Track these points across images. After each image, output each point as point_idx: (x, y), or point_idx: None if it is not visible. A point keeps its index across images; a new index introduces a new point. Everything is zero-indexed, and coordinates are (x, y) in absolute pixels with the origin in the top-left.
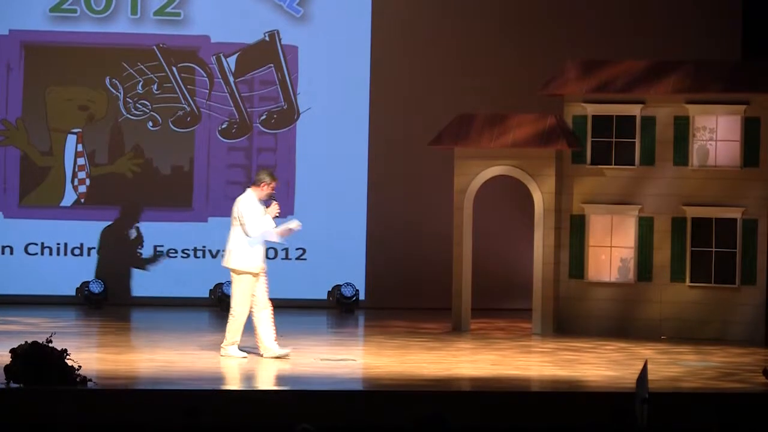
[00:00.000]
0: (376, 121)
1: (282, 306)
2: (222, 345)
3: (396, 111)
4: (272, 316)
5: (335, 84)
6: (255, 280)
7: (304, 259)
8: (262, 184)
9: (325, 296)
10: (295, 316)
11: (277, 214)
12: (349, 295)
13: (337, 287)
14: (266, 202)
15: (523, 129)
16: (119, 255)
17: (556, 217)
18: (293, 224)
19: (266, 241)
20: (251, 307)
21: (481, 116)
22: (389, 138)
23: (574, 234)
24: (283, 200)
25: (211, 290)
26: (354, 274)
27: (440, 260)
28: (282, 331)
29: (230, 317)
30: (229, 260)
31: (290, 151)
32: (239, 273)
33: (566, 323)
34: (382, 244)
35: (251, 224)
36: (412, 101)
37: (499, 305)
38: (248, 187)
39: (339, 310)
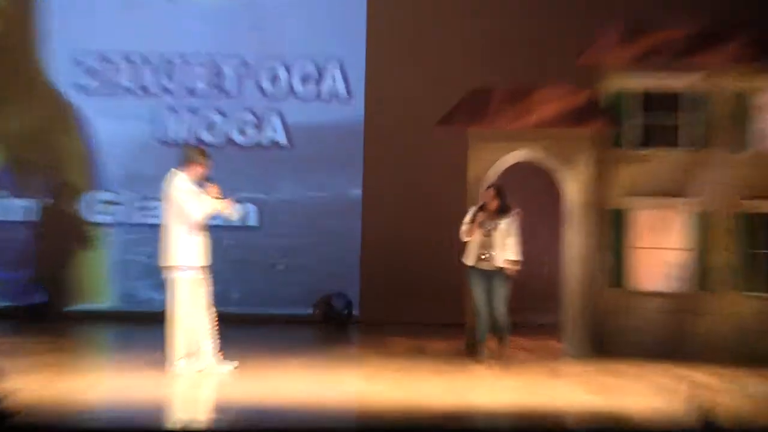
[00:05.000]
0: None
1: (255, 322)
2: (171, 362)
3: (397, 86)
4: (215, 324)
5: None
6: (196, 279)
7: (284, 266)
8: (193, 165)
9: (310, 309)
10: (273, 333)
11: (219, 197)
12: (340, 308)
13: (326, 298)
14: (200, 185)
15: (552, 105)
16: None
17: (591, 212)
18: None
19: (212, 230)
20: (191, 312)
21: (501, 90)
22: (388, 119)
23: (613, 233)
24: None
25: None
26: (346, 283)
27: (450, 266)
28: (256, 352)
29: (169, 326)
30: (166, 256)
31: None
32: (177, 270)
33: (605, 341)
34: (379, 247)
35: (193, 204)
36: (419, 74)
37: (524, 320)
38: (176, 168)
39: (328, 326)
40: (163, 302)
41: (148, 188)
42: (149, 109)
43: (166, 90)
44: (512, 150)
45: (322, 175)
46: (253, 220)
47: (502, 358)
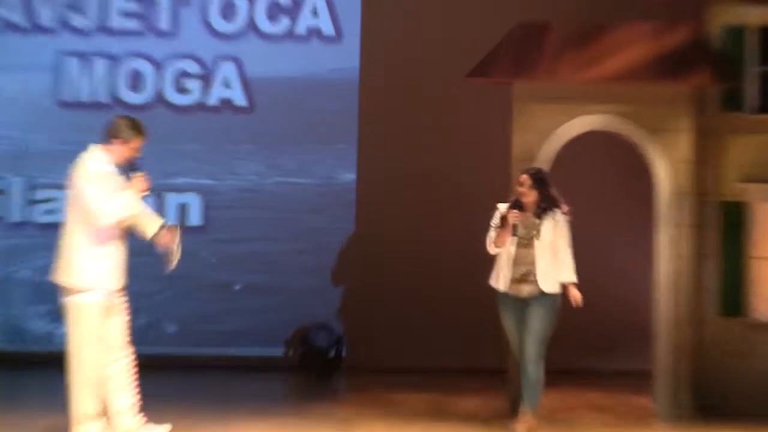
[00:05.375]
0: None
1: (198, 367)
2: (71, 428)
3: (409, 23)
4: (132, 369)
5: None
6: (105, 307)
7: (241, 285)
8: (119, 142)
9: (281, 349)
10: (227, 383)
11: (145, 188)
12: (324, 346)
13: (304, 332)
14: (125, 173)
15: (635, 50)
16: None
17: (694, 205)
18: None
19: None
20: (99, 352)
21: (560, 28)
22: (395, 70)
23: (727, 236)
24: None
25: None
26: (333, 311)
27: (483, 287)
28: (200, 411)
29: (71, 373)
30: (65, 272)
31: None
32: (80, 293)
33: (714, 396)
34: (380, 257)
35: (104, 200)
36: (439, 4)
37: (591, 364)
38: (95, 144)
39: (306, 373)
40: (63, 338)
41: (42, 171)
42: (46, 56)
43: (71, 28)
44: (577, 115)
45: (297, 153)
46: (195, 218)
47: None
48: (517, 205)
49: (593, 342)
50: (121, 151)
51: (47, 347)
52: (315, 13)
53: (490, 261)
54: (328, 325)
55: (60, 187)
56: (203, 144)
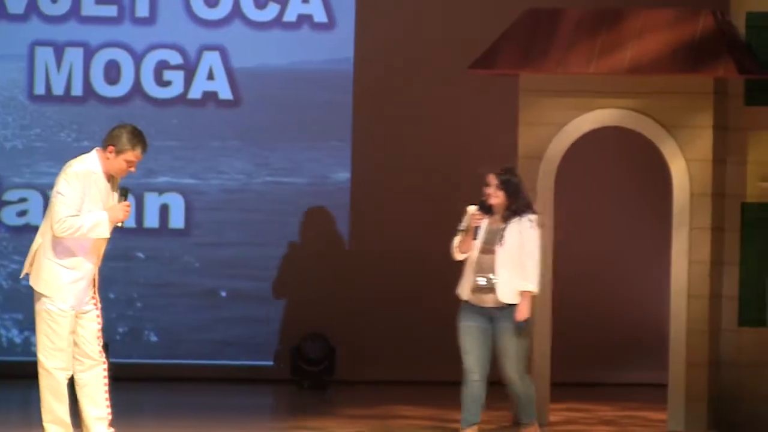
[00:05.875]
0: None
1: (180, 378)
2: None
3: (409, 10)
4: (106, 378)
5: None
6: (72, 314)
7: (226, 292)
8: (114, 151)
9: (270, 361)
10: (210, 396)
11: (122, 222)
12: (316, 358)
13: (294, 343)
14: (120, 188)
15: (652, 39)
16: None
17: (714, 207)
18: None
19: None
20: (71, 360)
21: (572, 14)
22: (392, 62)
23: (748, 241)
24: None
25: None
26: (325, 319)
27: None
28: (179, 427)
29: (40, 376)
30: (32, 276)
31: None
32: (46, 298)
33: (737, 414)
34: (377, 261)
35: (64, 206)
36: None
37: (602, 378)
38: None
39: (298, 386)
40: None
41: (13, 170)
42: (15, 46)
43: (40, 14)
44: (589, 109)
45: (287, 150)
46: (177, 220)
47: None
48: (484, 207)
49: (605, 353)
50: (113, 160)
51: (23, 357)
52: None
53: None
54: (320, 335)
55: (32, 186)
56: (185, 140)
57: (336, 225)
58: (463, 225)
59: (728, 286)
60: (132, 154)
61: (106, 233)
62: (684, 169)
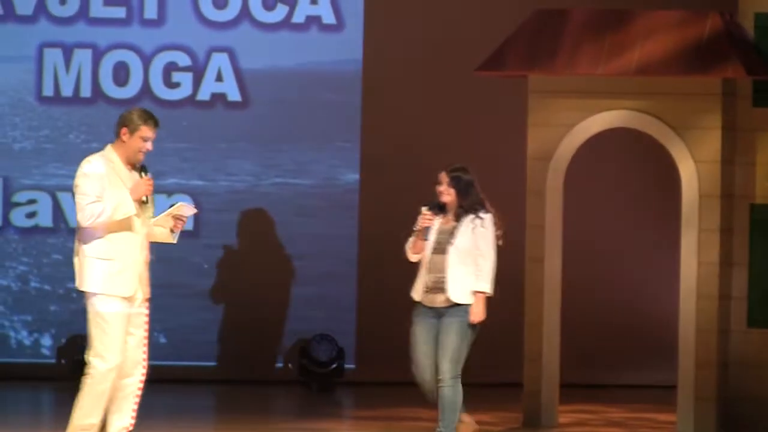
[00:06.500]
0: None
1: (187, 380)
2: None
3: (418, 11)
4: (140, 389)
5: None
6: (124, 314)
7: (233, 296)
8: (127, 134)
9: (279, 362)
10: (218, 398)
11: (146, 198)
12: (324, 358)
13: (302, 344)
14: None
15: (660, 40)
16: None
17: (723, 208)
18: (184, 209)
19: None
20: (121, 363)
21: (580, 15)
22: (400, 63)
23: (757, 242)
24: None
25: (61, 347)
26: (334, 320)
27: (496, 295)
28: (192, 423)
29: (87, 379)
30: (76, 276)
31: None
32: (94, 297)
33: (743, 414)
34: (386, 263)
35: (85, 198)
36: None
37: (610, 379)
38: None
39: (306, 387)
40: (53, 350)
41: (22, 171)
42: (24, 48)
43: (49, 16)
44: (597, 111)
45: (296, 151)
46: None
47: None
48: (437, 206)
49: (613, 355)
50: (129, 144)
51: (32, 359)
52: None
53: (507, 268)
54: (328, 337)
55: (41, 188)
56: (194, 142)
57: (344, 226)
58: (417, 225)
59: (737, 287)
60: (146, 129)
61: (132, 209)
62: (693, 170)
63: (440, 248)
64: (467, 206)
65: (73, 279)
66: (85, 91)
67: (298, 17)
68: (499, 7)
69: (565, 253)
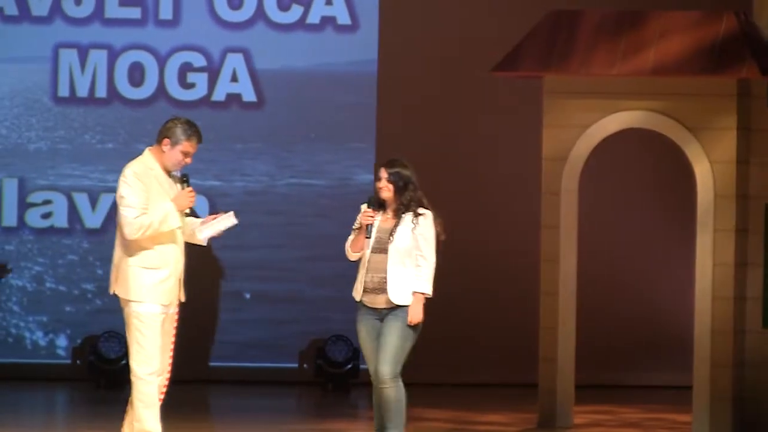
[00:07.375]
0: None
1: (204, 380)
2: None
3: (433, 11)
4: (163, 394)
5: None
6: (161, 318)
7: (248, 297)
8: (168, 145)
9: (296, 363)
10: (234, 398)
11: (189, 208)
12: (340, 359)
13: (318, 345)
14: (180, 176)
15: (675, 40)
16: None
17: (738, 208)
18: (227, 220)
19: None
20: (161, 364)
21: (594, 16)
22: (416, 63)
23: None
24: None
25: (76, 348)
26: (351, 321)
27: (511, 296)
28: (206, 423)
29: (132, 385)
30: (113, 282)
31: None
32: (135, 302)
33: (759, 415)
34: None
35: (130, 209)
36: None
37: (626, 380)
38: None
39: (322, 387)
40: (68, 351)
41: (38, 172)
42: (40, 48)
43: (64, 17)
44: (612, 111)
45: (311, 152)
46: None
47: None
48: (375, 202)
49: (628, 355)
50: (168, 154)
51: (47, 359)
52: (329, 0)
53: (521, 269)
54: (344, 337)
55: (56, 189)
56: (209, 142)
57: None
58: (356, 224)
59: (752, 288)
60: (188, 145)
61: (177, 222)
62: (708, 170)
63: (380, 247)
64: (406, 203)
65: (88, 280)
66: (101, 92)
67: (313, 18)
68: (515, 7)
69: (580, 254)
